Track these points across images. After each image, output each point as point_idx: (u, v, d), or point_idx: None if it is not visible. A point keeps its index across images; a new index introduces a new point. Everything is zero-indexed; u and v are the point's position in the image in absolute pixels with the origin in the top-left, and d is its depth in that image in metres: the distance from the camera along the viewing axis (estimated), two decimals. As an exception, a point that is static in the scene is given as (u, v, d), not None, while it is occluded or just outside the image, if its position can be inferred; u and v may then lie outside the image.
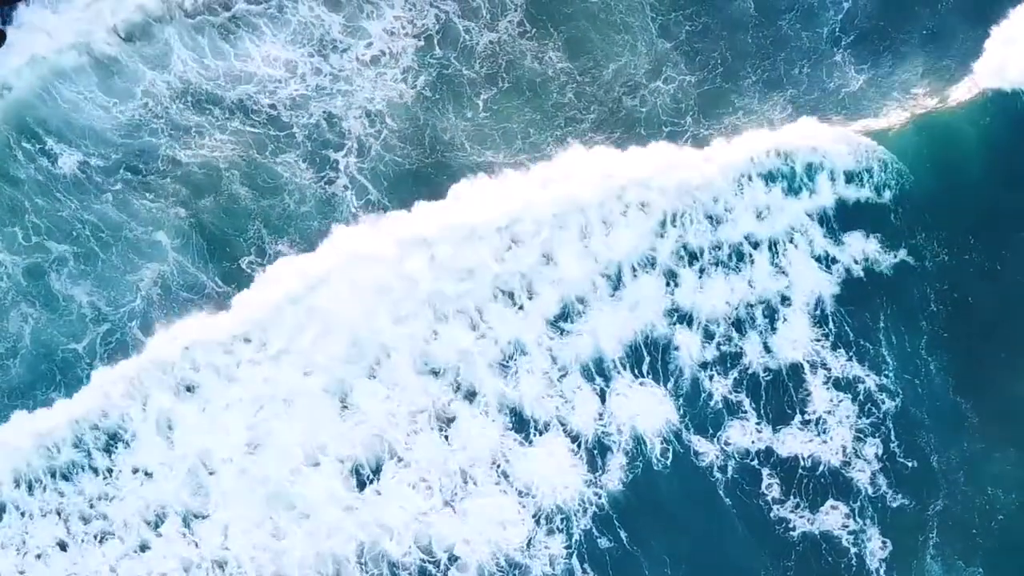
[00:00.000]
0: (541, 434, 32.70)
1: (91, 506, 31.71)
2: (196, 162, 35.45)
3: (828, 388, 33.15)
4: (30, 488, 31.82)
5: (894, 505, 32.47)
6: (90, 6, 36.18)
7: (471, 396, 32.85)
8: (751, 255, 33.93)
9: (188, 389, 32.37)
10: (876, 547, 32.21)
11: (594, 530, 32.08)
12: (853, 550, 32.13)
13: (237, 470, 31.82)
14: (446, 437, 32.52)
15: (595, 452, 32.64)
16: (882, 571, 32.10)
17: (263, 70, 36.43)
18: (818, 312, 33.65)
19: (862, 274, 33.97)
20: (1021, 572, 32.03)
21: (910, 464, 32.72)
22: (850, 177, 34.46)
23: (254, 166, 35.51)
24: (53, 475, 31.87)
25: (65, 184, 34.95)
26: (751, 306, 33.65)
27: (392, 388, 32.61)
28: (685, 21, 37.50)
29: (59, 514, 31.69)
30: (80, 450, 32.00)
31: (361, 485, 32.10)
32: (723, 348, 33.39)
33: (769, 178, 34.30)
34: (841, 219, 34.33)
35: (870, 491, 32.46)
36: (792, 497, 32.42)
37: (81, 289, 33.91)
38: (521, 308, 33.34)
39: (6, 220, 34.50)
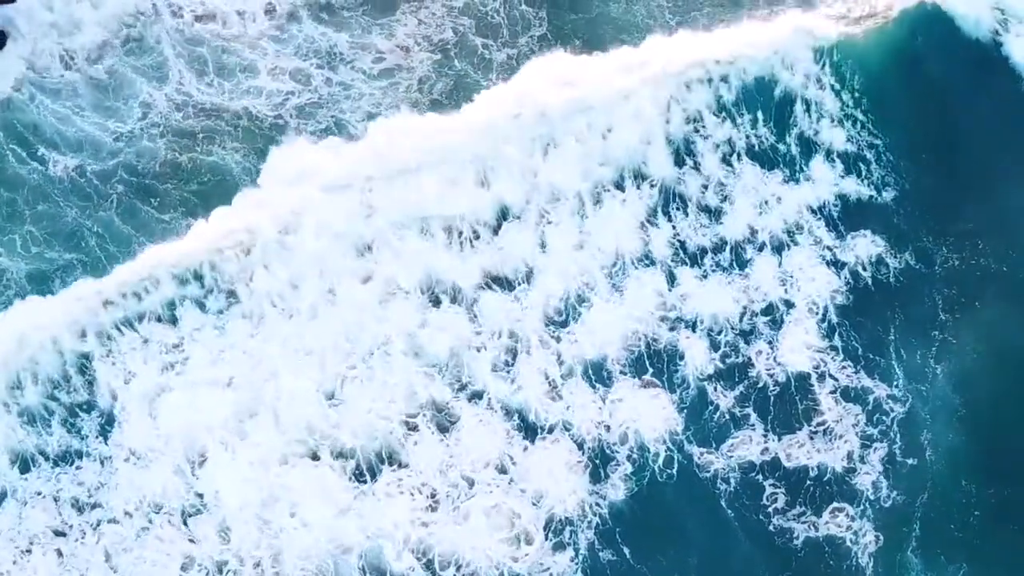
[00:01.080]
0: (544, 438, 31.87)
1: (89, 495, 31.12)
2: (204, 170, 35.32)
3: (835, 396, 32.29)
4: (25, 468, 31.35)
5: (887, 504, 31.51)
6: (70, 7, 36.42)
7: (473, 396, 32.16)
8: (754, 258, 33.41)
9: (171, 366, 32.04)
10: (870, 541, 31.19)
11: (599, 542, 31.11)
12: (854, 549, 31.09)
13: (228, 460, 31.25)
14: (446, 439, 31.75)
15: (598, 460, 31.75)
16: (870, 566, 31.04)
17: (270, 84, 36.40)
18: (823, 317, 32.92)
19: (865, 274, 33.36)
20: (1000, 565, 30.98)
21: (909, 463, 31.80)
22: (848, 167, 34.07)
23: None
24: (46, 457, 31.42)
25: (63, 190, 35.02)
26: (755, 314, 32.97)
27: (389, 385, 31.98)
28: (703, 18, 37.24)
29: (56, 500, 31.16)
30: (73, 433, 31.56)
31: (359, 486, 31.29)
32: (727, 355, 32.61)
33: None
34: (843, 216, 33.86)
35: (870, 494, 31.48)
36: (797, 506, 31.43)
37: (88, 302, 33.67)
38: (518, 300, 32.76)
39: (6, 228, 34.54)
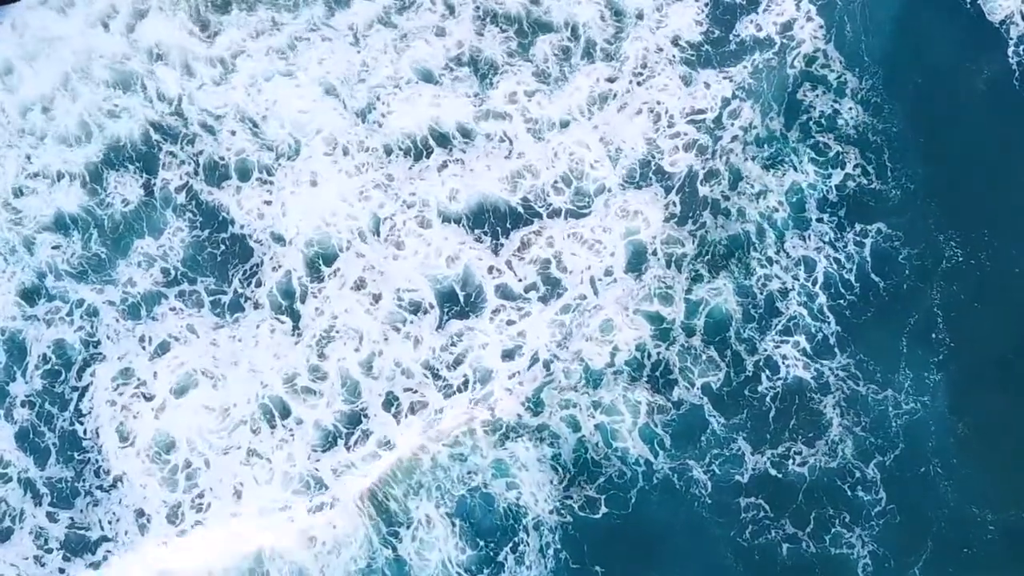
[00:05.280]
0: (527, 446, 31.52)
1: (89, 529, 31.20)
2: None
3: (836, 406, 31.70)
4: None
5: (896, 522, 30.99)
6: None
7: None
8: (758, 261, 32.84)
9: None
10: (870, 563, 30.82)
11: (581, 559, 30.86)
12: (856, 567, 30.81)
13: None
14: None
15: (585, 475, 31.39)
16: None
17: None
18: (820, 319, 32.31)
19: (865, 274, 32.66)
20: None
21: (910, 478, 31.23)
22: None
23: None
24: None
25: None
26: (753, 315, 32.35)
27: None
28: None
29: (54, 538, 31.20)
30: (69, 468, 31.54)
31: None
32: (729, 364, 32.02)
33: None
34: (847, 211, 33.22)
35: (871, 509, 30.98)
36: (787, 519, 31.04)
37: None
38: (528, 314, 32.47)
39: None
